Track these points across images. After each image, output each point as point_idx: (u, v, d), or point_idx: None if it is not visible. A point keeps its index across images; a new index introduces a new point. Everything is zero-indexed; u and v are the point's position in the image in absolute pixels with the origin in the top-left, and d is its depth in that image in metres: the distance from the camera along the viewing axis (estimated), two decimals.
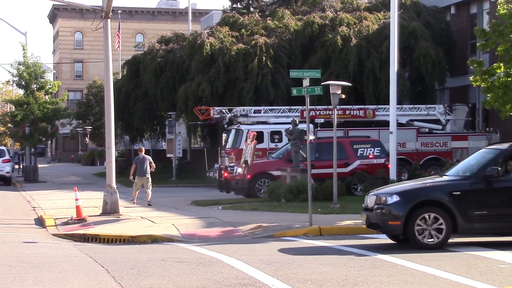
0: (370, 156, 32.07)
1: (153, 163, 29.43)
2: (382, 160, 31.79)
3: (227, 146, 38.01)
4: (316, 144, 30.75)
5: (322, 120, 38.60)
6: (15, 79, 52.13)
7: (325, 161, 29.67)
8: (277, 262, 15.07)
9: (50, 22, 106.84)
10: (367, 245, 17.74)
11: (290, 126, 30.07)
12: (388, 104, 30.40)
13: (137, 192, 29.76)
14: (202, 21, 68.60)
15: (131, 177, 30.50)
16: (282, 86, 42.80)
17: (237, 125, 37.88)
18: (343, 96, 27.42)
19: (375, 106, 39.74)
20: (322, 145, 31.13)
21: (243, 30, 46.05)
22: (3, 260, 15.71)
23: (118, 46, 60.58)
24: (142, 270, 14.38)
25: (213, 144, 51.09)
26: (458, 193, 16.85)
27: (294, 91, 24.31)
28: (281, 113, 38.99)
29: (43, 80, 50.63)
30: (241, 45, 44.27)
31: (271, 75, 43.14)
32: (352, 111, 39.02)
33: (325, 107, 38.01)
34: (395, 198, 17.03)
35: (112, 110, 25.87)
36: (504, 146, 18.44)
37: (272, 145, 36.35)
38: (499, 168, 17.03)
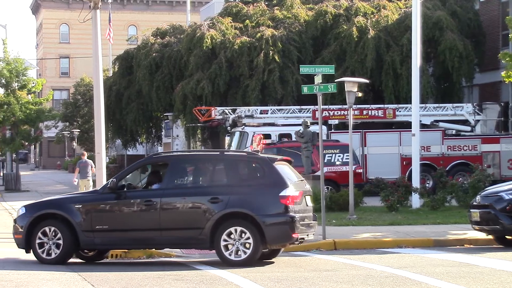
0: (338, 162, 32.55)
1: (94, 167, 32.75)
2: (353, 167, 31.71)
3: None
4: (277, 149, 30.95)
5: (337, 121, 38.62)
6: None
7: None
8: (287, 279, 15.05)
9: (32, 14, 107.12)
10: (387, 260, 17.72)
11: (300, 128, 30.04)
12: (410, 103, 30.40)
13: None
14: (201, 11, 68.72)
15: (75, 181, 36.21)
16: (292, 83, 42.81)
17: (242, 127, 37.89)
18: (360, 95, 27.41)
19: (395, 106, 39.74)
20: (284, 151, 31.08)
21: (247, 21, 46.09)
22: None
23: (109, 39, 60.59)
24: None
25: (215, 148, 51.12)
26: (79, 206, 17.71)
27: (305, 89, 24.32)
28: (290, 113, 39.03)
29: (25, 78, 50.66)
30: (245, 38, 44.29)
31: (279, 71, 43.14)
32: (370, 111, 39.02)
33: (340, 106, 38.04)
34: (22, 211, 18.35)
35: (102, 111, 25.84)
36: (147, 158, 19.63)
37: None
38: (114, 180, 17.66)
